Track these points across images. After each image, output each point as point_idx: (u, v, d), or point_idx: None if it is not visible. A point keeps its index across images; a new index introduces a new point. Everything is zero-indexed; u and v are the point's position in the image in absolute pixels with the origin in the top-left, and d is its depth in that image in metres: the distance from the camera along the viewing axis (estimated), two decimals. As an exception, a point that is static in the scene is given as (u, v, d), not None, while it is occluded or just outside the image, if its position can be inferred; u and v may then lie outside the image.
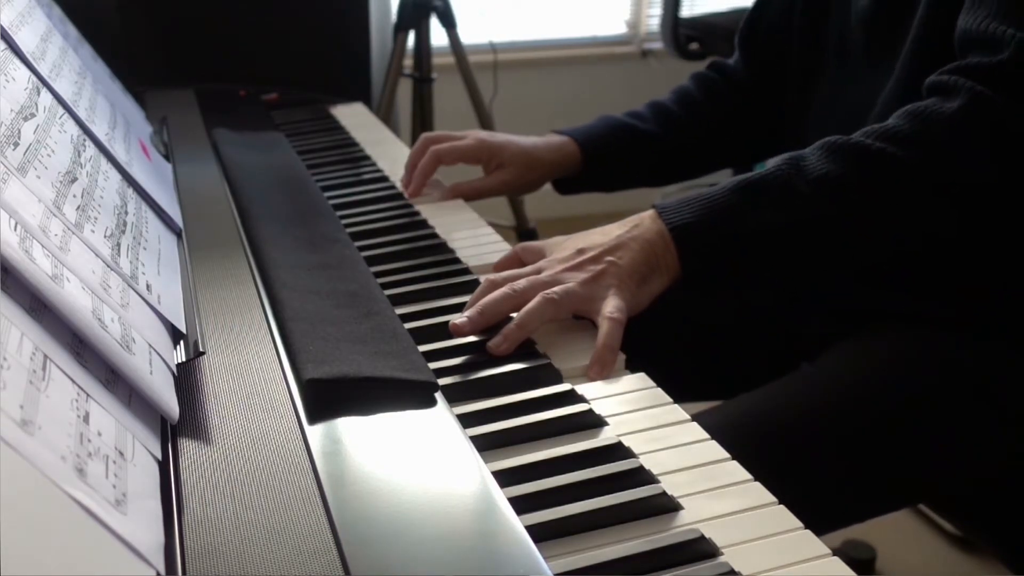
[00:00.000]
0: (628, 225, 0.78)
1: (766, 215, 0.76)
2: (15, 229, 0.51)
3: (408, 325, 0.72)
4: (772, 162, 0.79)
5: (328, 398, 0.59)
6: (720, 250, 0.77)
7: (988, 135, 0.74)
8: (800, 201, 0.76)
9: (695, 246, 0.76)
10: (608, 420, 0.62)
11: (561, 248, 0.79)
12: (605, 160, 1.08)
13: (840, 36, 0.96)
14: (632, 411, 0.63)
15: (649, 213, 0.78)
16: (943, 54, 0.80)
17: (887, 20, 0.88)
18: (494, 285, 0.75)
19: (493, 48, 2.32)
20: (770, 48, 1.08)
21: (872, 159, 0.75)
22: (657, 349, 0.76)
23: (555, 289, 0.72)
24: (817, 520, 0.52)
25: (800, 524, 0.52)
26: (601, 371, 0.68)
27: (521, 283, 0.73)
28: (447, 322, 0.74)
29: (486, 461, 0.55)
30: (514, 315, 0.72)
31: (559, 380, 0.67)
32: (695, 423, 0.62)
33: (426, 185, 1.05)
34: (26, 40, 0.77)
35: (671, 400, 0.65)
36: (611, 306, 0.72)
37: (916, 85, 0.81)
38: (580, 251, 0.76)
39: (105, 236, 0.64)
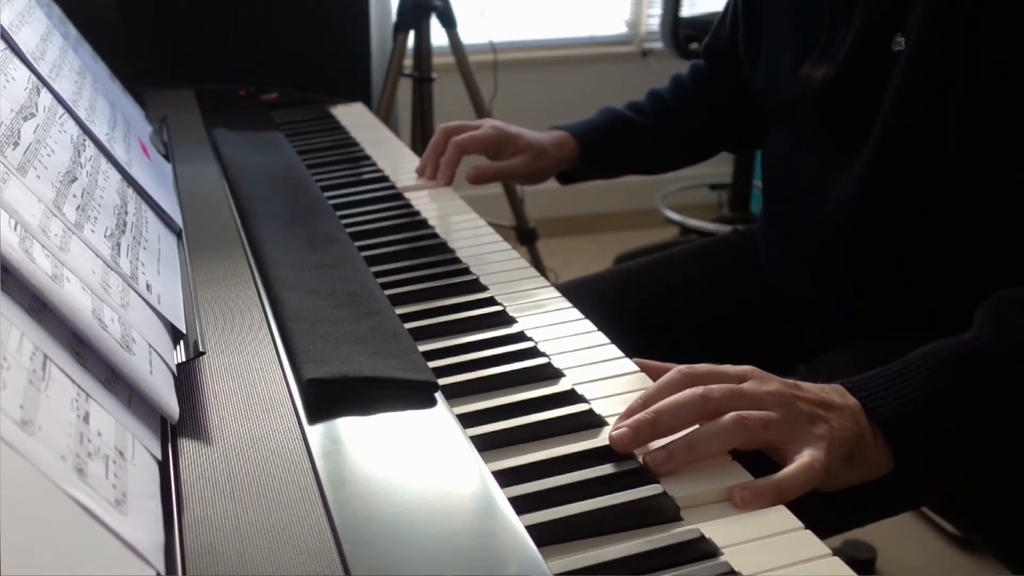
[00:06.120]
0: (835, 396, 0.65)
1: (984, 396, 0.67)
2: (15, 229, 0.51)
3: (408, 325, 0.71)
4: (969, 333, 0.69)
5: (328, 398, 0.59)
6: (940, 439, 0.66)
7: None
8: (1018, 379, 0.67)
9: (912, 438, 0.64)
10: (608, 420, 0.62)
11: (761, 375, 0.65)
12: (601, 154, 1.14)
13: (779, 100, 0.97)
14: (632, 411, 0.63)
15: (851, 405, 0.65)
16: (915, 149, 0.80)
17: (841, 110, 0.88)
18: (687, 379, 0.62)
19: (493, 48, 2.32)
20: (732, 70, 1.11)
21: None
22: (658, 350, 0.76)
23: (754, 414, 0.59)
24: (815, 523, 0.52)
25: (800, 524, 0.52)
26: (752, 501, 0.54)
27: (719, 389, 0.60)
28: (447, 322, 0.74)
29: (486, 461, 0.55)
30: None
31: (559, 380, 0.67)
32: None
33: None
34: (26, 40, 0.77)
35: (671, 400, 0.64)
36: (815, 455, 0.59)
37: (886, 178, 0.83)
38: (796, 385, 0.64)
39: (105, 236, 0.64)
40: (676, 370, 0.62)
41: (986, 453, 0.68)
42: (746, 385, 0.62)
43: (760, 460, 0.58)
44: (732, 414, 0.58)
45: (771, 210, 1.03)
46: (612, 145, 1.13)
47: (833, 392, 0.65)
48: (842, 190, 0.88)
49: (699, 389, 0.60)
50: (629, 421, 0.58)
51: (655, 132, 1.15)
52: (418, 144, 1.46)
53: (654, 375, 0.65)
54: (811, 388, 0.64)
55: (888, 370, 0.67)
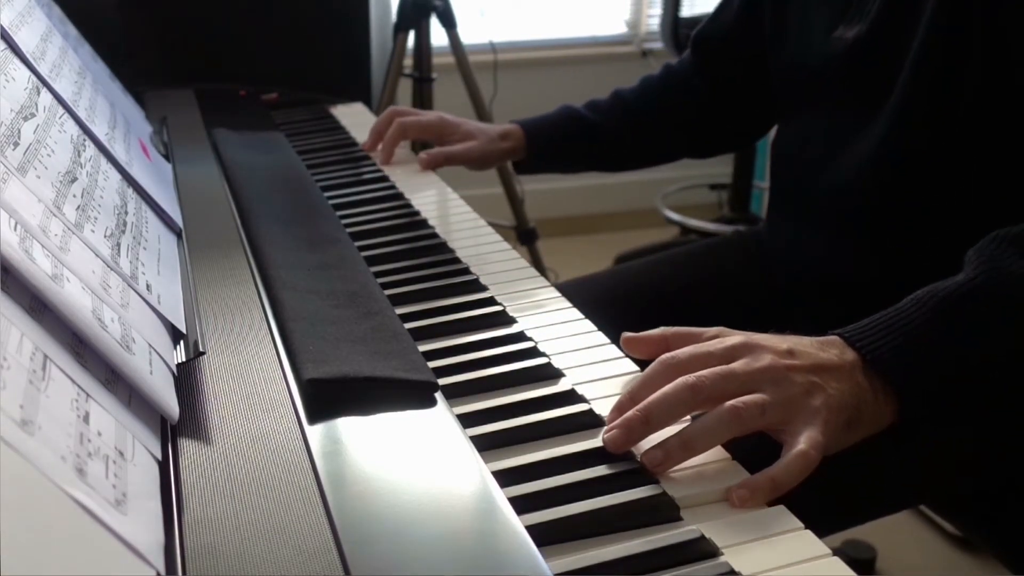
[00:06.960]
0: (833, 353, 0.63)
1: (981, 338, 0.65)
2: (15, 229, 0.51)
3: (408, 325, 0.71)
4: (962, 275, 0.67)
5: (328, 398, 0.59)
6: (942, 385, 0.64)
7: None
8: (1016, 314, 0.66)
9: (914, 384, 0.63)
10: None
11: (752, 348, 0.62)
12: (547, 148, 1.18)
13: (807, 70, 0.97)
14: (632, 411, 0.63)
15: (850, 361, 0.63)
16: (938, 99, 0.80)
17: (871, 64, 0.87)
18: (673, 369, 0.59)
19: (493, 48, 2.32)
20: (727, 61, 1.12)
21: None
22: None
23: (746, 400, 0.57)
24: (815, 522, 0.52)
25: (800, 524, 0.52)
26: (748, 499, 0.53)
27: (709, 376, 0.58)
28: (447, 322, 0.74)
29: (486, 461, 0.55)
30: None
31: (559, 380, 0.67)
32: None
33: (394, 155, 1.19)
34: (26, 40, 0.77)
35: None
36: (811, 438, 0.57)
37: (910, 132, 0.82)
38: (790, 352, 0.61)
39: (105, 236, 0.64)
40: (659, 361, 0.60)
41: (986, 401, 0.67)
42: (736, 365, 0.59)
43: (759, 448, 0.58)
44: (726, 406, 0.57)
45: (782, 197, 1.03)
46: (559, 140, 1.18)
47: (831, 347, 0.63)
48: (862, 152, 0.87)
49: (689, 378, 0.58)
50: (620, 421, 0.57)
51: (609, 131, 1.17)
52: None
53: (644, 348, 0.66)
54: (807, 350, 0.62)
55: (884, 316, 0.66)
